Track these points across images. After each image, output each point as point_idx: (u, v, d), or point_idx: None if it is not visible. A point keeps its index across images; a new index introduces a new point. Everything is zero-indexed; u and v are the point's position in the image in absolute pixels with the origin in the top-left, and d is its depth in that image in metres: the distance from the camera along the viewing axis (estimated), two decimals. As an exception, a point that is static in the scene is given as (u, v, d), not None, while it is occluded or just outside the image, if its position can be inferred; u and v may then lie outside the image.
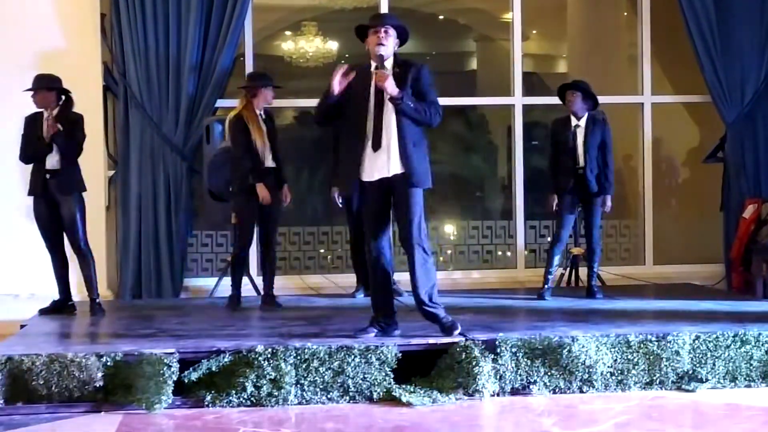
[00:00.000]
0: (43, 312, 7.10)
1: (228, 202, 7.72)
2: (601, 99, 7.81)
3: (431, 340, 5.73)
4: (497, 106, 9.65)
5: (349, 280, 8.19)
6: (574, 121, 7.61)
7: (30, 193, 7.03)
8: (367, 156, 5.79)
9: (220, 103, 8.38)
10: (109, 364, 5.36)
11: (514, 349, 5.61)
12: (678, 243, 9.37)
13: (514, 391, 5.57)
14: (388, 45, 5.80)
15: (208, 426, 5.04)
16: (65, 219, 6.96)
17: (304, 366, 5.43)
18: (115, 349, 5.51)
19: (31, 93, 6.94)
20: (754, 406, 5.37)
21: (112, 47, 8.23)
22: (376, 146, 5.76)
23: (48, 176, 6.95)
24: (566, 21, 10.50)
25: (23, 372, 5.32)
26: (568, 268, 8.39)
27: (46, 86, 6.94)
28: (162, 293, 8.10)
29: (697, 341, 5.73)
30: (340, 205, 7.75)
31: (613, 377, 5.65)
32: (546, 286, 7.65)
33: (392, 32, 5.83)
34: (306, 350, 5.46)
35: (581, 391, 5.61)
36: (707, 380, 5.69)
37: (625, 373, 5.66)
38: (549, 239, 9.00)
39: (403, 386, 5.47)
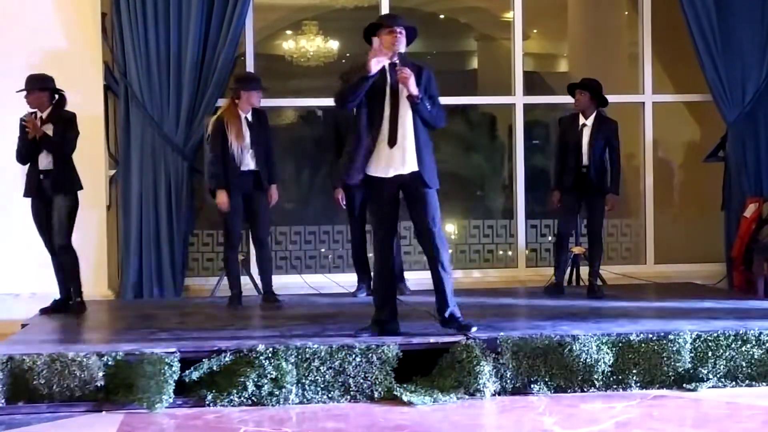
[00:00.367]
0: (44, 311, 7.11)
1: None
2: (602, 98, 7.84)
3: (432, 339, 5.74)
4: (498, 106, 9.64)
5: (350, 279, 8.19)
6: (581, 120, 7.63)
7: (25, 194, 7.05)
8: (381, 152, 5.83)
9: (221, 102, 8.37)
10: (110, 363, 5.36)
11: (515, 349, 5.61)
12: (679, 242, 9.36)
13: (515, 391, 5.57)
14: (402, 44, 5.87)
15: (209, 425, 5.04)
16: (53, 216, 6.96)
17: (305, 365, 5.43)
18: (116, 348, 5.51)
19: (24, 94, 6.95)
20: (755, 406, 5.37)
21: (112, 47, 8.23)
22: (392, 143, 5.81)
23: (41, 176, 6.97)
24: (567, 20, 10.49)
25: (24, 371, 5.33)
26: (569, 268, 8.39)
27: (39, 86, 6.95)
28: (163, 293, 8.10)
29: (698, 340, 5.73)
30: (343, 206, 7.77)
31: (614, 376, 5.65)
32: (555, 280, 7.74)
33: (404, 32, 5.91)
34: (307, 349, 5.46)
35: (582, 391, 5.61)
36: (708, 379, 5.69)
37: (626, 372, 5.66)
38: (550, 238, 9.03)
39: (404, 385, 5.48)
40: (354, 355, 5.47)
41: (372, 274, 6.26)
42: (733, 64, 8.66)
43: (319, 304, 7.59)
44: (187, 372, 5.39)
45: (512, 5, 9.03)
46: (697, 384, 5.65)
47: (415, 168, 5.82)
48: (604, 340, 5.68)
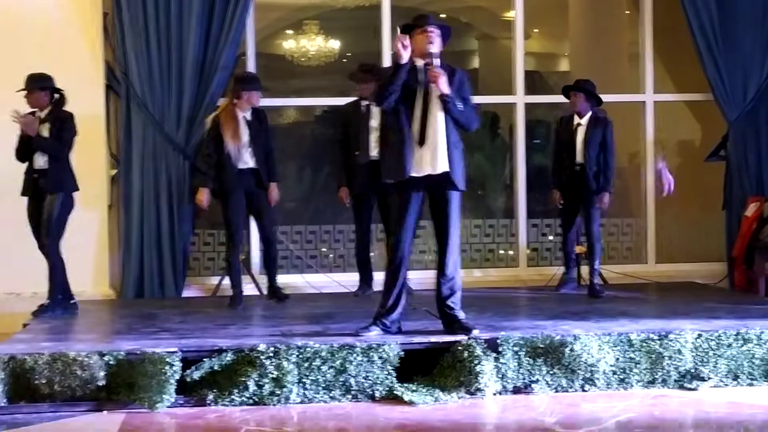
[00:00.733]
0: (35, 314, 7.04)
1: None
2: (603, 97, 7.85)
3: (433, 339, 5.74)
4: (499, 105, 9.64)
5: (352, 278, 8.19)
6: (576, 119, 7.69)
7: (22, 194, 7.05)
8: (414, 150, 5.84)
9: (222, 101, 8.37)
10: (111, 362, 5.36)
11: (516, 348, 5.61)
12: (680, 241, 9.36)
13: (516, 390, 5.57)
14: (436, 44, 5.89)
15: (210, 425, 5.04)
16: (43, 214, 6.94)
17: (306, 365, 5.43)
18: (117, 347, 5.51)
19: (24, 93, 6.94)
20: (756, 405, 5.37)
21: (114, 46, 8.22)
22: (422, 142, 5.83)
23: (36, 176, 6.96)
24: (568, 19, 10.49)
25: (26, 371, 5.33)
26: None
27: (38, 86, 6.94)
28: (164, 292, 8.10)
29: (699, 339, 5.73)
30: (347, 205, 7.79)
31: (615, 376, 5.66)
32: (569, 277, 7.92)
33: (438, 32, 5.92)
34: (308, 349, 5.46)
35: (583, 390, 5.62)
36: (709, 379, 5.69)
37: (627, 371, 5.66)
38: (551, 238, 9.05)
39: (406, 385, 5.48)
40: (355, 355, 5.47)
41: (382, 271, 6.22)
42: (735, 63, 8.65)
43: (320, 303, 7.59)
44: (188, 371, 5.39)
45: (513, 4, 9.01)
46: (699, 383, 5.65)
47: (446, 168, 5.83)
48: (605, 340, 5.68)
